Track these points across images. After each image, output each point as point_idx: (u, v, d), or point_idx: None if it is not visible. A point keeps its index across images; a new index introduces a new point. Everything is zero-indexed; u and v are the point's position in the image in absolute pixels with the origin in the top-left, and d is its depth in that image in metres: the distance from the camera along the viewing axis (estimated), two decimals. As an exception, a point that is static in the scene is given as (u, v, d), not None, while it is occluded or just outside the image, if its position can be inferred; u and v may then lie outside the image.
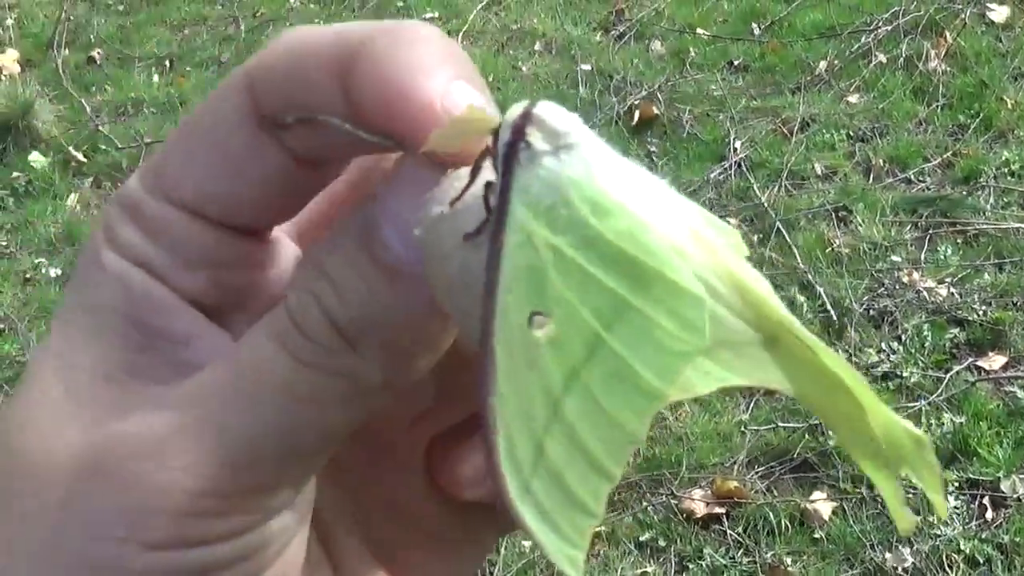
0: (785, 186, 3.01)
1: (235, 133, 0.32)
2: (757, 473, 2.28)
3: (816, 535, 2.18)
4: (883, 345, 2.54)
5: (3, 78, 3.91)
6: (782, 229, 2.83)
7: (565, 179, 0.29)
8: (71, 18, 4.32)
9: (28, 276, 3.09)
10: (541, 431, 0.29)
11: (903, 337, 2.53)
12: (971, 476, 2.21)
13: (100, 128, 3.63)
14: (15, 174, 3.43)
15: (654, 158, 3.19)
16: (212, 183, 0.32)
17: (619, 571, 2.11)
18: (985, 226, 2.78)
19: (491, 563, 2.09)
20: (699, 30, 3.76)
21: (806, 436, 2.33)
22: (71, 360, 0.31)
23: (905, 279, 2.69)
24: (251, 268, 0.35)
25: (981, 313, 2.55)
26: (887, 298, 2.63)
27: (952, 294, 2.62)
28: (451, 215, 0.30)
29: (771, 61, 3.54)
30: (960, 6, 3.53)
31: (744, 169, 3.10)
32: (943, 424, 2.34)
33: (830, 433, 2.32)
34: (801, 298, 2.62)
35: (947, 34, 3.44)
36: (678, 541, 2.16)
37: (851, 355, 2.48)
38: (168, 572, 0.30)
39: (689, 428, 2.36)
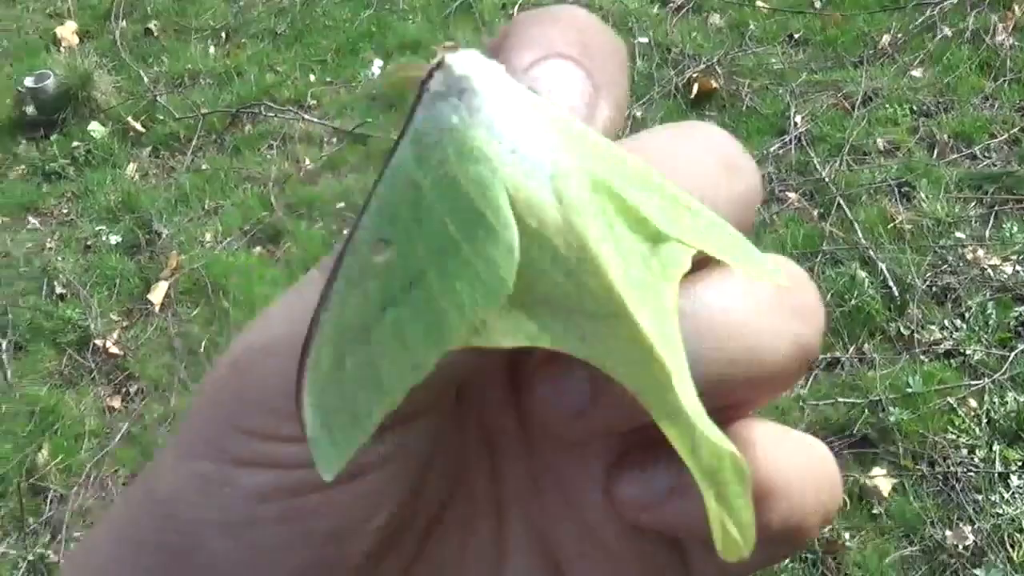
0: (846, 161, 2.97)
1: None
2: (816, 448, 2.25)
3: (875, 511, 2.16)
4: (946, 322, 2.50)
5: (62, 49, 3.96)
6: (843, 204, 2.80)
7: (445, 121, 0.31)
8: (128, -10, 4.36)
9: (89, 243, 3.14)
10: (346, 344, 0.31)
11: (966, 315, 2.50)
12: (1035, 455, 2.18)
13: (158, 99, 3.66)
14: (75, 144, 3.47)
15: (712, 132, 3.16)
16: None
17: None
18: (1053, 203, 2.72)
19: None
20: (758, 2, 3.70)
21: (865, 411, 2.30)
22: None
23: (969, 256, 2.64)
24: None
25: (1048, 291, 2.50)
26: (950, 275, 2.59)
27: (1017, 272, 2.58)
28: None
29: (832, 34, 3.48)
30: (1028, -21, 3.44)
31: (804, 143, 3.07)
32: (1007, 403, 2.31)
33: (891, 409, 2.30)
34: (862, 274, 2.59)
35: (1016, 7, 3.35)
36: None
37: (913, 332, 2.45)
38: (260, 459, 0.33)
39: (746, 402, 2.34)
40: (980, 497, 2.16)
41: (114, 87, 3.74)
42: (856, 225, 2.73)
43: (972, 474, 2.20)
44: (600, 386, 0.32)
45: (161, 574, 0.36)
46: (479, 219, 0.30)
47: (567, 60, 0.33)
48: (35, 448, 2.58)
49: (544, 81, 0.33)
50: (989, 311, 2.49)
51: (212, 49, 3.99)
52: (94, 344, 2.81)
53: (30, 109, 3.59)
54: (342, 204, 3.17)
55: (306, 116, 3.49)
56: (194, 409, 0.35)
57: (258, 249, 3.08)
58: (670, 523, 0.34)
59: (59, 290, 2.97)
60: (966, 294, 2.53)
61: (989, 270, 2.59)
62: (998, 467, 2.21)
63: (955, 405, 2.32)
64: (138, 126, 3.55)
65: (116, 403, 2.70)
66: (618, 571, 0.37)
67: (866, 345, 2.47)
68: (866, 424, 2.29)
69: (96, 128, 3.52)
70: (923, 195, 2.80)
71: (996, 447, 2.24)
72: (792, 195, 2.85)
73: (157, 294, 2.93)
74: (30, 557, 2.36)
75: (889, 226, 2.73)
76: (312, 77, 3.66)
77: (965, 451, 2.25)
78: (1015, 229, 2.69)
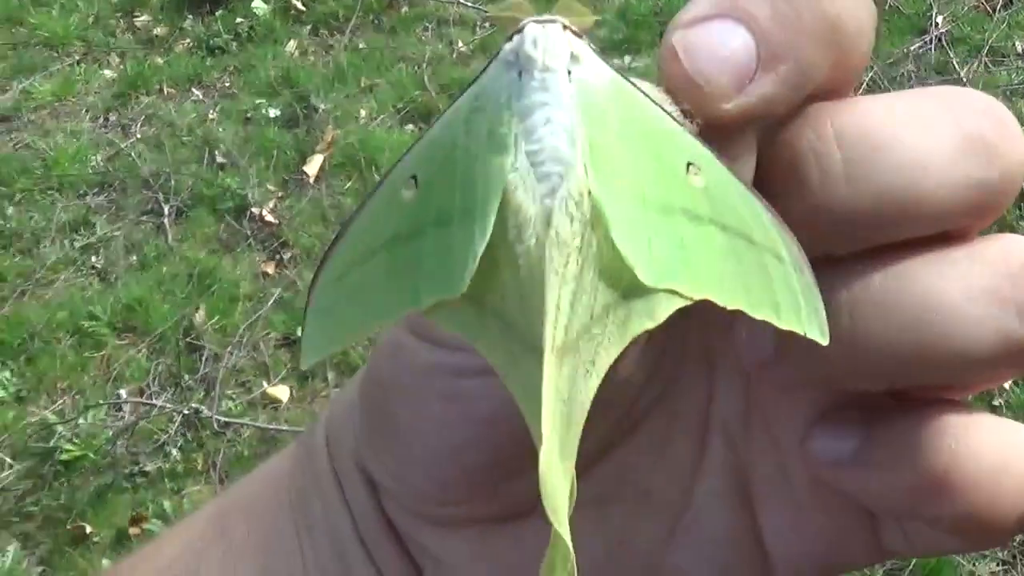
0: (985, 63, 2.94)
1: None
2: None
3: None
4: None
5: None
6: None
7: (497, 94, 0.30)
8: None
9: (249, 116, 3.19)
10: (352, 261, 0.32)
11: None
12: None
13: (319, -21, 3.67)
14: (239, 20, 3.52)
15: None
16: None
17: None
18: None
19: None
20: None
21: None
22: None
23: None
24: None
25: None
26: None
27: None
28: None
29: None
30: None
31: (944, 44, 3.03)
32: None
33: None
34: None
35: None
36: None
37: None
38: (430, 336, 0.37)
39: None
40: None
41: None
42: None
43: None
44: (785, 346, 0.32)
45: (367, 418, 0.40)
46: (472, 209, 0.30)
47: (736, 22, 0.30)
48: (193, 309, 2.67)
49: (690, 41, 0.30)
50: None
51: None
52: (251, 212, 2.87)
53: (197, -14, 3.65)
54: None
55: (461, 0, 3.44)
56: None
57: (410, 127, 3.08)
58: (851, 488, 0.35)
59: (219, 159, 3.05)
60: None
61: None
62: None
63: None
64: (299, 4, 3.57)
65: (270, 269, 2.76)
66: (803, 519, 0.38)
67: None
68: None
69: (259, 5, 3.56)
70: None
71: None
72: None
73: (312, 166, 2.97)
74: (185, 411, 2.46)
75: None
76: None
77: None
78: None
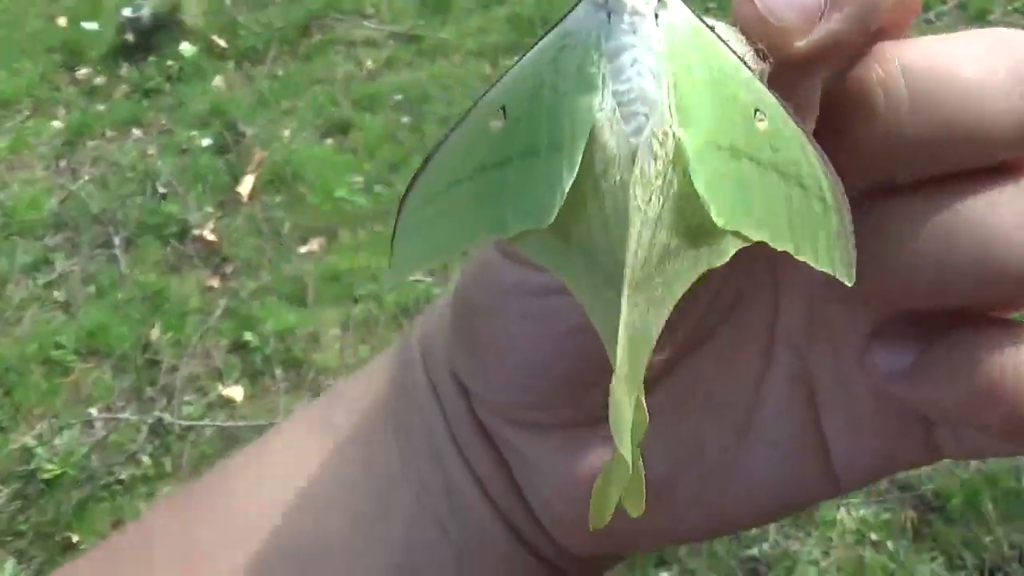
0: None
1: None
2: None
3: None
4: None
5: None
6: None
7: (587, 34, 0.30)
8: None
9: (184, 147, 3.37)
10: (438, 187, 0.32)
11: None
12: None
13: (238, 18, 3.88)
14: (169, 63, 3.69)
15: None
16: None
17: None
18: None
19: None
20: None
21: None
22: None
23: None
24: None
25: None
26: None
27: None
28: None
29: None
30: None
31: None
32: None
33: None
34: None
35: None
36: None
37: None
38: (514, 255, 0.37)
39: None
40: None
41: (200, 11, 3.99)
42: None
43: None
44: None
45: (457, 334, 0.41)
46: (560, 144, 0.30)
47: None
48: (148, 327, 2.77)
49: None
50: None
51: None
52: (193, 234, 3.02)
53: (129, 36, 3.86)
54: (399, 96, 3.37)
55: (366, 23, 3.68)
56: None
57: (329, 140, 3.28)
58: (908, 398, 0.36)
59: (161, 190, 3.20)
60: None
61: None
62: None
63: None
64: (222, 43, 3.78)
65: (215, 283, 2.89)
66: (862, 424, 0.39)
67: None
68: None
69: (186, 48, 3.75)
70: None
71: None
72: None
73: (245, 187, 3.14)
74: (150, 420, 2.52)
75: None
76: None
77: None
78: None
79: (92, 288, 2.92)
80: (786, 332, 0.40)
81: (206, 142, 3.38)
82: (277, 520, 0.42)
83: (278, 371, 2.58)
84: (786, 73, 0.31)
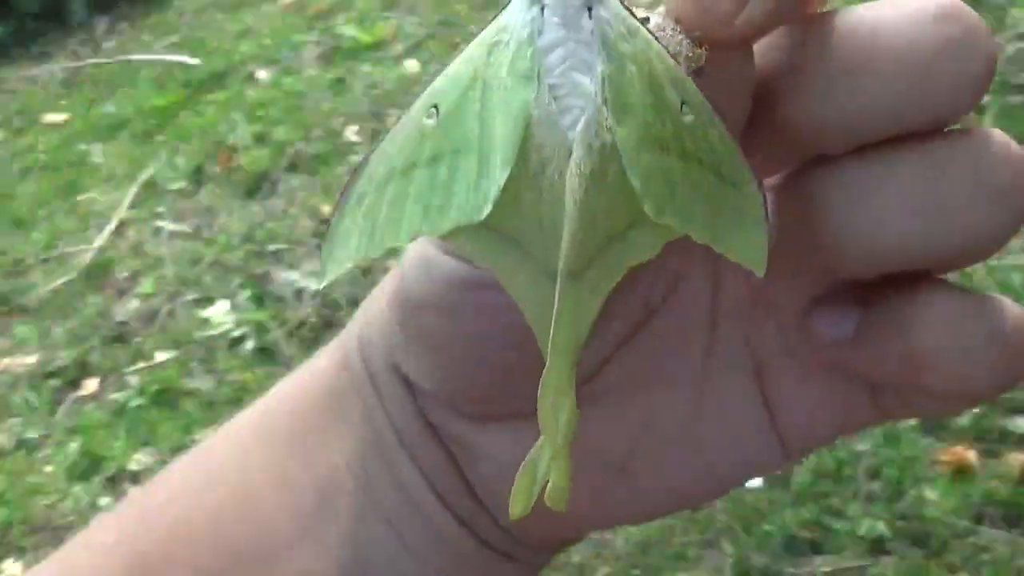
0: None
1: None
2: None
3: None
4: None
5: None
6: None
7: (519, 29, 0.31)
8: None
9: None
10: (371, 185, 0.33)
11: None
12: None
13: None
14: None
15: None
16: None
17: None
18: None
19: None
20: None
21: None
22: None
23: None
24: None
25: None
26: None
27: None
28: None
29: None
30: None
31: None
32: None
33: None
34: None
35: None
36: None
37: None
38: (455, 249, 0.37)
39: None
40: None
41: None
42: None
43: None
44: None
45: (400, 328, 0.40)
46: (493, 139, 0.31)
47: None
48: None
49: None
50: None
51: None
52: None
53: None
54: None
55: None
56: None
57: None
58: (852, 363, 0.37)
59: None
60: None
61: None
62: None
63: None
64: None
65: None
66: (808, 388, 0.40)
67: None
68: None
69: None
70: None
71: None
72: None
73: None
74: None
75: None
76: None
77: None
78: None
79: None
80: (728, 307, 0.41)
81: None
82: (222, 525, 0.43)
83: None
84: (723, 57, 0.32)
